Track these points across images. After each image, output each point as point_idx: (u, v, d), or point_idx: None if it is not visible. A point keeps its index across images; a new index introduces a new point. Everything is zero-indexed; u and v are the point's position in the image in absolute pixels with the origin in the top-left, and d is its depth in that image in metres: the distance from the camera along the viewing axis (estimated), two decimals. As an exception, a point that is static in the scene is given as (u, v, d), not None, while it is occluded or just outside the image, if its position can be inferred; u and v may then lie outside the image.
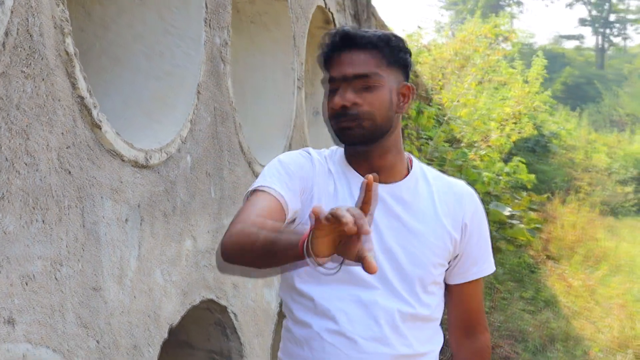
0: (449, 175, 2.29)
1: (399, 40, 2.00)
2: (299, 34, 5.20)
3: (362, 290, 1.94)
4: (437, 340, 2.06)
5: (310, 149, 2.12)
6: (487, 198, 10.49)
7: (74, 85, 2.55)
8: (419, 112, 8.58)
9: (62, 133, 2.49)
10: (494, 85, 15.20)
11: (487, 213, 9.53)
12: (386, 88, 1.94)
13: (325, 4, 5.90)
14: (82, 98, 2.59)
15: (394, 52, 1.96)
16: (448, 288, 2.13)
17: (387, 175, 2.00)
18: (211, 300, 3.70)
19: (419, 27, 14.75)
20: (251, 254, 1.73)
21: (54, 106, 2.44)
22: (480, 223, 2.09)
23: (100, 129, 2.69)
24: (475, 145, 10.16)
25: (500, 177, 10.44)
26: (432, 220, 2.01)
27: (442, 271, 2.06)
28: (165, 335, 3.18)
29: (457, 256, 2.06)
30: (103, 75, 3.67)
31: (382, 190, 1.98)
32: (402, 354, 1.94)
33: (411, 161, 2.09)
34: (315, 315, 1.96)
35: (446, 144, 9.76)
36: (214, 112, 3.74)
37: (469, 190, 2.12)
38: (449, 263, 2.07)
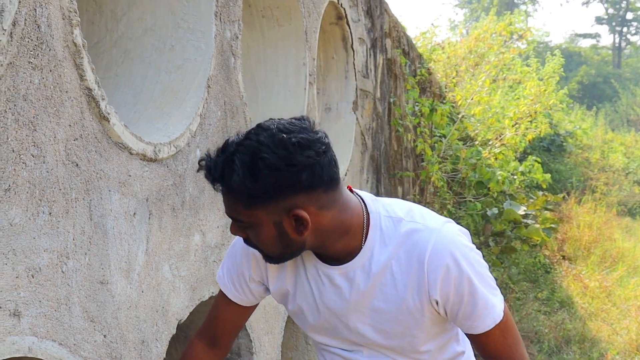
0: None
1: (263, 172, 1.66)
2: (311, 29, 5.17)
3: (345, 352, 1.94)
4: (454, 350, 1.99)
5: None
6: (501, 197, 10.43)
7: (81, 77, 2.53)
8: (432, 110, 8.52)
9: (70, 125, 2.47)
10: (509, 84, 15.11)
11: (501, 212, 9.47)
12: (265, 224, 1.72)
13: (338, 0, 5.87)
14: (90, 90, 2.57)
15: (252, 194, 1.69)
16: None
17: (340, 257, 1.82)
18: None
19: (433, 24, 14.68)
20: None
21: (61, 98, 2.42)
22: (457, 286, 1.76)
23: (109, 121, 2.67)
24: (489, 143, 10.09)
25: (515, 177, 10.37)
26: (392, 297, 1.79)
27: (431, 329, 1.85)
28: (174, 331, 3.16)
29: (445, 314, 1.84)
30: (114, 69, 3.66)
31: (336, 272, 1.81)
32: None
33: (368, 221, 1.80)
34: None
35: (460, 142, 9.70)
36: (224, 106, 3.72)
37: (435, 248, 1.75)
38: (444, 318, 1.87)
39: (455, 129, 9.38)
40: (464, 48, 13.04)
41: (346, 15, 6.12)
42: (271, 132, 1.66)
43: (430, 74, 10.50)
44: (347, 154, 6.23)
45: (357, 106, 6.47)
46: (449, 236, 1.78)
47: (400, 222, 1.81)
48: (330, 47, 6.29)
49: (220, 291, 2.05)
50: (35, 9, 2.29)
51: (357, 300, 1.83)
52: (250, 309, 2.05)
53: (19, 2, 2.20)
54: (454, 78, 11.49)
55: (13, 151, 2.22)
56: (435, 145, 8.75)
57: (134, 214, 2.88)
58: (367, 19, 7.00)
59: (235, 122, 3.85)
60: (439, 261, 1.75)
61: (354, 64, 6.39)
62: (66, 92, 2.45)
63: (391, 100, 8.00)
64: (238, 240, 1.98)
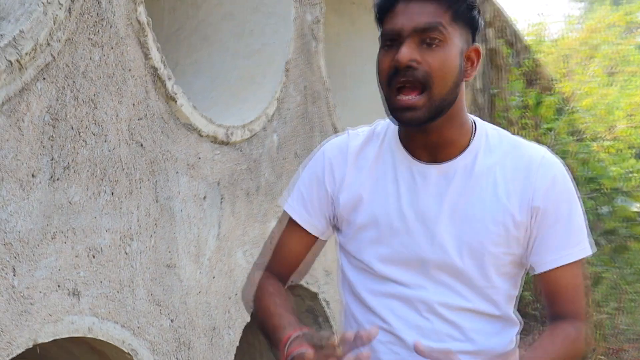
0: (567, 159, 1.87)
1: None
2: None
3: (406, 289, 1.70)
4: (508, 333, 1.81)
5: (339, 139, 1.82)
6: (614, 194, 9.93)
7: (146, 56, 2.49)
8: (539, 102, 8.19)
9: (133, 104, 2.44)
10: (624, 77, 14.41)
11: (614, 209, 9.02)
12: (456, 47, 1.61)
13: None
14: (155, 69, 2.52)
15: (462, 6, 1.63)
16: (537, 280, 1.80)
17: (443, 151, 1.68)
18: (301, 286, 3.59)
19: (542, 16, 14.21)
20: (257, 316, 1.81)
21: (124, 76, 2.39)
22: (559, 200, 1.69)
23: (176, 102, 2.62)
24: (600, 137, 9.63)
25: (632, 174, 9.83)
26: (490, 203, 1.67)
27: (509, 260, 1.72)
28: (248, 319, 3.09)
29: (529, 241, 1.72)
30: (193, 55, 3.64)
31: (434, 171, 1.68)
32: (461, 350, 1.71)
33: (475, 129, 1.73)
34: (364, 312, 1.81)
35: (569, 136, 9.29)
36: (304, 91, 3.63)
37: (546, 159, 1.70)
38: (524, 249, 1.74)
39: (564, 122, 8.99)
40: (577, 41, 12.53)
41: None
42: None
43: (538, 65, 10.12)
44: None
45: (454, 97, 6.26)
46: (557, 159, 1.74)
47: (507, 136, 1.75)
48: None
49: (286, 220, 1.83)
50: (95, -15, 2.26)
51: (452, 202, 1.68)
52: (315, 244, 1.85)
53: (78, -23, 2.18)
54: (563, 69, 11.03)
55: (72, 129, 2.20)
56: (541, 138, 8.40)
57: (204, 197, 2.83)
58: (466, 7, 6.78)
59: (317, 107, 3.76)
60: (548, 171, 1.68)
61: (450, 53, 6.19)
62: (129, 70, 2.41)
63: (493, 91, 7.73)
64: (312, 161, 1.82)
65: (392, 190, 1.71)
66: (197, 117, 2.74)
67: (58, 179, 2.15)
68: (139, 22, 2.44)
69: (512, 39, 8.79)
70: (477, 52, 1.68)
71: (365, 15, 4.88)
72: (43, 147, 2.09)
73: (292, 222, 1.82)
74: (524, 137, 5.85)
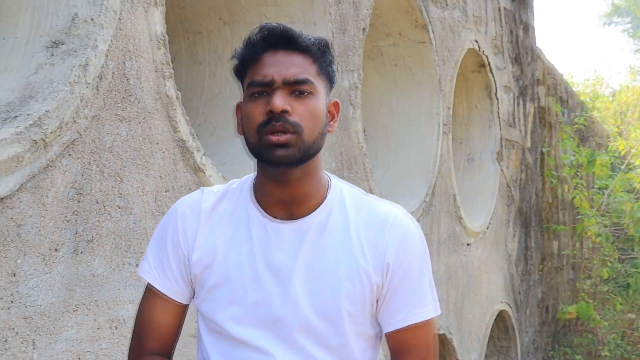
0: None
1: (330, 49, 1.70)
2: (445, 77, 5.02)
3: (258, 355, 1.64)
4: None
5: (192, 196, 1.78)
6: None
7: (174, 129, 2.53)
8: (592, 160, 8.06)
9: (160, 176, 2.48)
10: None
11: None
12: (321, 99, 1.63)
13: (479, 47, 5.69)
14: (183, 141, 2.56)
15: (326, 60, 1.66)
16: (386, 340, 1.77)
17: (299, 207, 1.67)
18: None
19: (599, 70, 14.05)
20: None
21: (151, 149, 2.43)
22: (410, 259, 1.69)
23: (204, 172, 2.66)
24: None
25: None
26: (345, 259, 1.65)
27: (367, 319, 1.69)
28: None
29: (380, 299, 1.70)
30: (232, 120, 3.68)
31: (289, 228, 1.66)
32: None
33: (330, 185, 1.72)
34: None
35: (625, 195, 9.09)
36: (340, 157, 3.64)
37: (398, 218, 1.70)
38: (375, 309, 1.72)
39: (619, 181, 8.81)
40: (635, 95, 12.34)
41: (489, 62, 5.92)
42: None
43: (592, 122, 9.98)
44: (489, 206, 5.97)
45: (501, 156, 6.21)
46: (409, 217, 1.75)
47: (361, 194, 1.75)
48: (472, 96, 6.10)
49: (149, 291, 1.75)
50: (124, 62, 2.32)
51: (306, 259, 1.65)
52: (184, 311, 1.76)
53: (106, 56, 2.24)
54: (619, 127, 10.86)
55: (97, 202, 2.24)
56: (594, 197, 8.25)
57: (233, 266, 2.83)
58: (515, 66, 6.75)
59: (353, 173, 3.76)
60: (399, 229, 1.69)
61: (498, 113, 6.15)
62: (157, 143, 2.45)
63: (544, 150, 7.64)
64: (163, 221, 1.78)
65: (245, 248, 1.67)
66: (227, 187, 2.76)
67: (81, 252, 2.19)
68: (167, 96, 2.49)
69: (565, 95, 8.70)
70: (337, 106, 1.71)
71: (408, 76, 4.90)
72: (67, 221, 2.13)
73: (153, 291, 1.74)
74: (577, 196, 5.72)
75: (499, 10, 6.32)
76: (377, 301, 1.69)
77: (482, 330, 5.86)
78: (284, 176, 1.62)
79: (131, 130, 2.35)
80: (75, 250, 2.16)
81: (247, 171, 3.35)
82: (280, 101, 1.57)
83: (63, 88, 2.08)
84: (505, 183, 6.37)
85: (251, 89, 1.61)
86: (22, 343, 1.99)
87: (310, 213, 1.67)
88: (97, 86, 2.21)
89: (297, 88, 1.59)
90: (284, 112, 1.56)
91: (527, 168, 7.07)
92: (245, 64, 1.63)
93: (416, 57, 4.86)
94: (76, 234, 2.17)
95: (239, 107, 1.68)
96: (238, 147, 3.54)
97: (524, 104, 7.04)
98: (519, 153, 6.81)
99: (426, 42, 4.83)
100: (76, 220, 2.16)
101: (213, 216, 1.72)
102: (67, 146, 2.11)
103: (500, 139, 6.21)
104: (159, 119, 2.47)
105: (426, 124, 4.89)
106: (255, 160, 1.65)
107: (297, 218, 1.67)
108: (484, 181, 6.06)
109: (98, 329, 2.25)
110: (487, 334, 5.98)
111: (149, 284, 1.74)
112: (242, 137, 1.65)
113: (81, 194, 2.18)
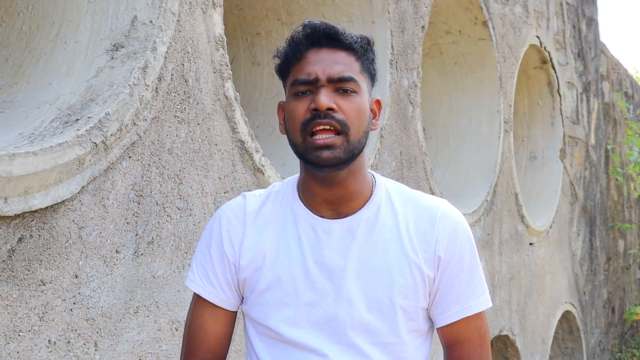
0: None
1: (372, 46, 1.69)
2: (507, 74, 4.93)
3: (312, 356, 1.61)
4: None
5: (234, 202, 1.75)
6: None
7: (233, 130, 2.53)
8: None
9: (220, 178, 2.47)
10: None
11: None
12: (365, 97, 1.62)
13: (541, 43, 5.57)
14: (242, 142, 2.56)
15: (369, 58, 1.65)
16: (439, 334, 1.75)
17: (346, 205, 1.64)
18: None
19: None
20: None
21: (210, 151, 2.43)
22: (461, 251, 1.67)
23: (263, 173, 2.65)
24: None
25: None
26: (396, 255, 1.63)
27: (419, 315, 1.67)
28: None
29: (434, 294, 1.67)
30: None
31: (337, 226, 1.63)
32: None
33: (375, 182, 1.71)
34: None
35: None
36: (400, 156, 3.59)
37: (447, 211, 1.69)
38: (428, 303, 1.69)
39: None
40: None
41: (551, 58, 5.80)
42: None
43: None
44: (552, 205, 5.85)
45: (564, 154, 6.07)
46: (456, 211, 1.74)
47: (406, 189, 1.75)
48: (534, 93, 5.98)
49: (196, 300, 1.74)
50: (183, 64, 2.33)
51: (357, 256, 1.63)
52: (233, 318, 1.75)
53: (165, 57, 2.24)
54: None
55: (157, 204, 2.25)
56: (662, 195, 8.02)
57: (292, 267, 2.82)
58: (579, 61, 6.60)
59: (413, 172, 3.71)
60: (449, 221, 1.68)
61: (560, 110, 6.02)
62: (215, 144, 2.45)
63: (608, 147, 7.45)
64: (206, 229, 1.76)
65: (295, 249, 1.64)
66: (286, 187, 2.75)
67: (142, 254, 2.20)
68: (226, 97, 2.49)
69: (630, 91, 8.47)
70: (379, 103, 1.70)
71: (468, 74, 4.82)
72: (127, 223, 2.14)
73: (200, 300, 1.73)
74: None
75: (561, 4, 6.19)
76: (429, 295, 1.67)
77: (547, 331, 5.75)
78: (329, 177, 1.60)
79: (190, 131, 2.35)
80: (135, 252, 2.17)
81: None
82: (325, 99, 1.55)
83: (123, 91, 2.09)
84: (568, 181, 6.23)
85: (295, 87, 1.60)
86: (85, 344, 2.01)
87: (358, 210, 1.65)
88: (157, 88, 2.22)
89: (341, 86, 1.57)
90: (330, 109, 1.55)
91: (591, 165, 6.91)
92: (289, 62, 1.62)
93: (476, 55, 4.78)
94: (137, 235, 2.18)
95: (281, 106, 1.68)
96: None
97: (588, 100, 6.87)
98: (582, 150, 6.66)
99: (486, 39, 4.75)
100: (136, 222, 2.17)
101: (258, 219, 1.70)
102: (127, 148, 2.13)
103: (564, 136, 6.08)
104: (218, 120, 2.46)
105: (487, 122, 4.80)
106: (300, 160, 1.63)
107: (345, 216, 1.65)
108: (547, 179, 5.94)
109: (159, 330, 2.26)
110: (552, 335, 5.86)
111: (195, 293, 1.74)
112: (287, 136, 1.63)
113: (141, 195, 2.18)
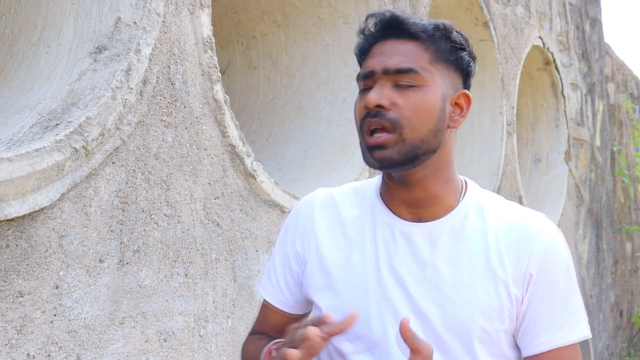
0: None
1: (460, 35, 1.52)
2: (509, 75, 4.85)
3: None
4: None
5: (315, 196, 1.65)
6: None
7: (223, 134, 2.45)
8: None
9: (209, 183, 2.40)
10: None
11: None
12: (436, 90, 1.45)
13: (544, 44, 5.48)
14: (233, 147, 2.48)
15: (444, 47, 1.48)
16: None
17: (428, 209, 1.49)
18: None
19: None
20: None
21: (199, 155, 2.36)
22: (555, 272, 1.48)
23: (255, 178, 2.57)
24: None
25: None
26: (481, 270, 1.47)
27: (503, 339, 1.49)
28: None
29: (522, 318, 1.49)
30: (287, 124, 3.60)
31: (418, 231, 1.49)
32: None
33: (466, 189, 1.56)
34: None
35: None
36: (399, 160, 3.51)
37: (541, 226, 1.50)
38: (514, 327, 1.51)
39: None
40: None
41: (554, 60, 5.71)
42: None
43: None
44: (557, 208, 5.76)
45: (569, 156, 5.98)
46: (555, 228, 1.55)
47: (501, 200, 1.57)
48: (538, 94, 5.90)
49: (262, 303, 1.70)
50: (169, 66, 2.25)
51: (437, 267, 1.48)
52: (301, 318, 1.64)
53: (150, 59, 2.17)
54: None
55: (143, 211, 2.17)
56: (670, 197, 7.92)
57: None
58: (583, 62, 6.51)
59: (413, 176, 3.63)
60: (546, 237, 1.48)
61: (565, 112, 5.93)
62: (205, 149, 2.38)
63: (614, 148, 7.35)
64: (284, 224, 1.68)
65: (371, 250, 1.52)
66: (279, 193, 2.68)
67: (127, 263, 2.12)
68: (215, 100, 2.42)
69: (636, 92, 8.38)
70: (467, 97, 1.52)
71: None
72: (111, 231, 2.07)
73: (263, 304, 1.69)
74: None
75: (564, 5, 6.10)
76: (516, 319, 1.50)
77: (553, 337, 5.65)
78: (403, 177, 1.47)
79: (178, 136, 2.28)
80: (120, 261, 2.10)
81: (304, 177, 3.27)
82: (375, 95, 1.43)
83: (105, 94, 2.01)
84: (574, 184, 6.14)
85: (359, 83, 1.51)
86: (66, 358, 1.93)
87: (442, 217, 1.51)
88: (141, 91, 2.15)
89: (399, 79, 1.44)
90: (380, 106, 1.42)
91: (597, 167, 6.81)
92: (360, 56, 1.54)
93: (478, 56, 4.67)
94: (121, 244, 2.10)
95: None
96: (294, 152, 3.46)
97: (593, 102, 6.78)
98: (588, 152, 6.57)
99: (487, 40, 4.67)
100: (121, 230, 2.10)
101: (338, 217, 1.60)
102: (111, 154, 2.05)
103: (568, 138, 5.99)
104: (206, 124, 2.39)
105: (489, 124, 4.72)
106: None
107: (427, 221, 1.51)
108: (552, 182, 5.85)
109: (146, 341, 2.18)
110: (558, 341, 5.75)
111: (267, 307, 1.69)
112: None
113: (126, 202, 2.11)
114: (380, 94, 1.43)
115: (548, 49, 5.58)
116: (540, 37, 5.45)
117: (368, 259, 1.52)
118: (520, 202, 5.01)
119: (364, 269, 1.52)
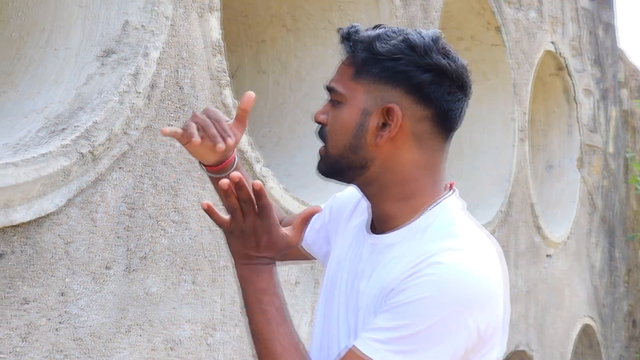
0: None
1: (391, 45, 1.42)
2: (521, 81, 4.80)
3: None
4: None
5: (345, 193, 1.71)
6: None
7: (232, 139, 2.42)
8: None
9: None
10: None
11: None
12: (355, 107, 1.43)
13: (556, 49, 5.43)
14: (242, 152, 2.45)
15: (366, 59, 1.42)
16: None
17: (381, 225, 1.49)
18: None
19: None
20: None
21: (207, 161, 2.32)
22: (412, 292, 1.32)
23: (265, 184, 2.53)
24: None
25: None
26: (374, 286, 1.43)
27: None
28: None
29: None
30: (296, 129, 3.57)
31: (367, 242, 1.49)
32: None
33: (427, 211, 1.46)
34: None
35: None
36: (410, 166, 3.48)
37: (442, 262, 1.33)
38: None
39: None
40: None
41: (567, 65, 5.66)
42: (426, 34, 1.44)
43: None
44: (570, 215, 5.70)
45: (582, 163, 5.92)
46: (466, 270, 1.34)
47: (459, 227, 1.43)
48: (550, 100, 5.85)
49: None
50: (177, 70, 2.22)
51: (355, 279, 1.51)
52: (300, 255, 1.74)
53: (158, 64, 2.14)
54: None
55: (150, 217, 2.14)
56: (683, 204, 7.83)
57: (296, 282, 2.70)
58: (596, 68, 6.45)
59: (424, 182, 3.59)
60: (430, 269, 1.34)
61: (577, 118, 5.88)
62: (213, 155, 2.34)
63: (628, 155, 7.28)
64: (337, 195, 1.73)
65: (350, 256, 1.56)
66: (289, 199, 2.64)
67: (134, 270, 2.09)
68: (224, 105, 2.39)
69: (650, 98, 8.31)
70: (389, 111, 1.41)
71: (481, 81, 4.70)
72: (118, 237, 2.04)
73: None
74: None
75: (577, 10, 6.05)
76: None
77: (565, 346, 5.59)
78: (360, 190, 1.50)
79: (186, 141, 2.24)
80: (127, 268, 2.07)
81: (313, 183, 3.24)
82: (317, 111, 1.49)
83: (112, 98, 1.99)
84: (586, 191, 6.07)
85: None
86: (72, 366, 1.90)
87: (386, 233, 1.48)
88: (149, 95, 2.12)
89: (331, 96, 1.46)
90: (320, 121, 1.48)
91: (610, 174, 6.75)
92: None
93: (489, 61, 4.66)
94: (128, 250, 2.07)
95: None
96: (303, 157, 3.42)
97: (606, 108, 6.72)
98: (601, 159, 6.50)
99: (500, 44, 4.63)
100: (128, 237, 2.07)
101: (353, 218, 1.62)
102: (118, 159, 2.02)
103: (581, 144, 5.93)
104: (215, 129, 2.36)
105: (501, 131, 4.67)
106: None
107: (378, 234, 1.50)
108: (564, 189, 5.79)
109: (153, 350, 2.14)
110: (571, 350, 5.69)
111: None
112: None
113: (133, 208, 2.08)
114: (319, 110, 1.49)
115: (561, 54, 5.53)
116: (552, 42, 5.40)
117: (346, 262, 1.55)
118: (532, 210, 4.96)
119: (340, 271, 1.55)
